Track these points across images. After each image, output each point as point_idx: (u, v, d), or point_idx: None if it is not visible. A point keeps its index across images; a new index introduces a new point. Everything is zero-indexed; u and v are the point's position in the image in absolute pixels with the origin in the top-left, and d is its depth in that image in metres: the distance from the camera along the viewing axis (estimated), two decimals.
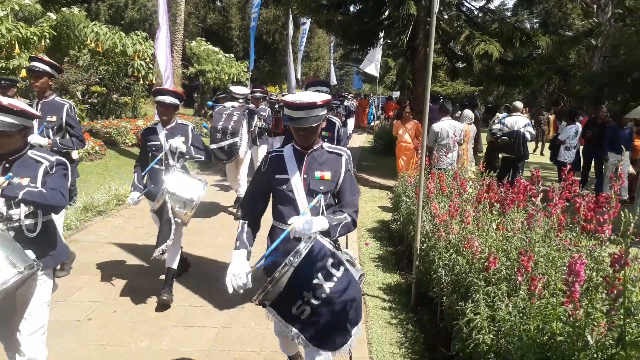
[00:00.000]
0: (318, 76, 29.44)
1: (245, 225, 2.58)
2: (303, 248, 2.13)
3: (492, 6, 26.46)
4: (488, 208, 4.10)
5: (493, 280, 2.83)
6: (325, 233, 2.36)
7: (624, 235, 2.57)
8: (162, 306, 4.21)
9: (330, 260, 2.18)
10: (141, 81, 15.86)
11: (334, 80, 24.91)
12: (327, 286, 2.14)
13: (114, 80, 15.29)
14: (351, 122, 16.56)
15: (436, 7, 3.69)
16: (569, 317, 2.20)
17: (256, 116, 7.47)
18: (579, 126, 8.65)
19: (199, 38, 22.63)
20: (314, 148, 2.55)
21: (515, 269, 2.74)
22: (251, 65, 13.65)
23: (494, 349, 2.50)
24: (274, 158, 2.59)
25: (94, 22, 14.16)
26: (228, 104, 6.74)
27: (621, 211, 2.71)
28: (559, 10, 27.85)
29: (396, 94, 24.24)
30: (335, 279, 2.17)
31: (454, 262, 3.49)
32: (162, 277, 4.60)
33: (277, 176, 2.53)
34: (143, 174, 4.36)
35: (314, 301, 2.13)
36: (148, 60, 15.18)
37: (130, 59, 14.87)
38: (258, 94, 8.91)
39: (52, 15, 11.65)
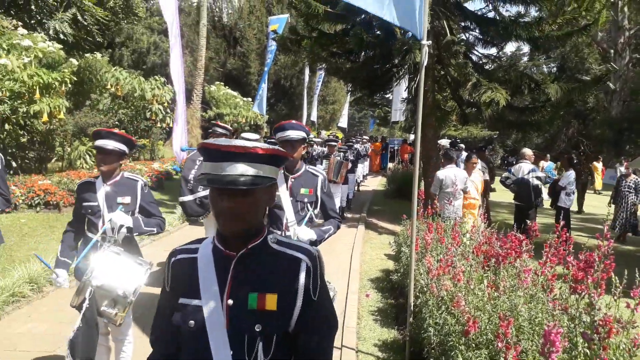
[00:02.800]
0: (334, 120, 29.77)
1: None
2: None
3: (508, 51, 26.68)
4: (483, 263, 3.99)
5: (474, 345, 2.71)
6: None
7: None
8: None
9: None
10: (159, 124, 16.29)
11: (344, 124, 25.06)
12: None
13: (133, 123, 15.72)
14: (363, 167, 16.55)
15: (425, 61, 3.72)
16: None
17: None
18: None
19: (218, 82, 23.31)
20: (252, 244, 1.43)
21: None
22: (263, 109, 13.89)
23: None
24: (178, 264, 1.50)
25: (115, 67, 14.73)
26: None
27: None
28: (576, 55, 27.92)
29: (412, 137, 24.30)
30: None
31: (444, 322, 3.37)
32: None
33: (181, 300, 1.45)
34: (81, 255, 3.23)
35: None
36: (166, 104, 15.63)
37: (149, 102, 15.34)
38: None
39: (74, 61, 12.14)
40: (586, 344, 2.51)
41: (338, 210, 9.58)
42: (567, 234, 3.45)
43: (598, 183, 18.89)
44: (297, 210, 3.28)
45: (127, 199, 3.31)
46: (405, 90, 12.60)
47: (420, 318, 3.89)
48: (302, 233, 3.15)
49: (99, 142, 3.18)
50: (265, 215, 1.60)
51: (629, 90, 24.89)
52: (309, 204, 3.32)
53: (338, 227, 3.42)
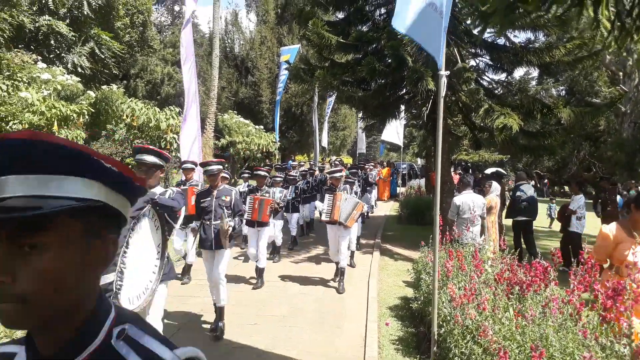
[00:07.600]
0: (344, 145, 29.90)
1: None
2: None
3: (516, 76, 26.87)
4: (507, 290, 3.97)
5: None
6: None
7: None
8: None
9: None
10: (173, 153, 16.51)
11: (363, 149, 24.68)
12: None
13: None
14: (371, 196, 16.17)
15: (443, 92, 3.79)
16: None
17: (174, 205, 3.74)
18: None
19: (231, 111, 23.65)
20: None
21: None
22: (276, 136, 14.09)
23: None
24: None
25: (130, 98, 15.03)
26: None
27: None
28: (585, 78, 28.01)
29: (421, 162, 24.36)
30: None
31: (471, 351, 3.35)
32: None
33: None
34: None
35: None
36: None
37: (164, 132, 15.58)
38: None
39: (92, 93, 12.45)
40: None
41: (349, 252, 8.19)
42: (593, 260, 3.44)
43: None
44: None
45: None
46: (403, 118, 12.79)
47: (444, 347, 3.86)
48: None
49: None
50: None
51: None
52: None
53: None
